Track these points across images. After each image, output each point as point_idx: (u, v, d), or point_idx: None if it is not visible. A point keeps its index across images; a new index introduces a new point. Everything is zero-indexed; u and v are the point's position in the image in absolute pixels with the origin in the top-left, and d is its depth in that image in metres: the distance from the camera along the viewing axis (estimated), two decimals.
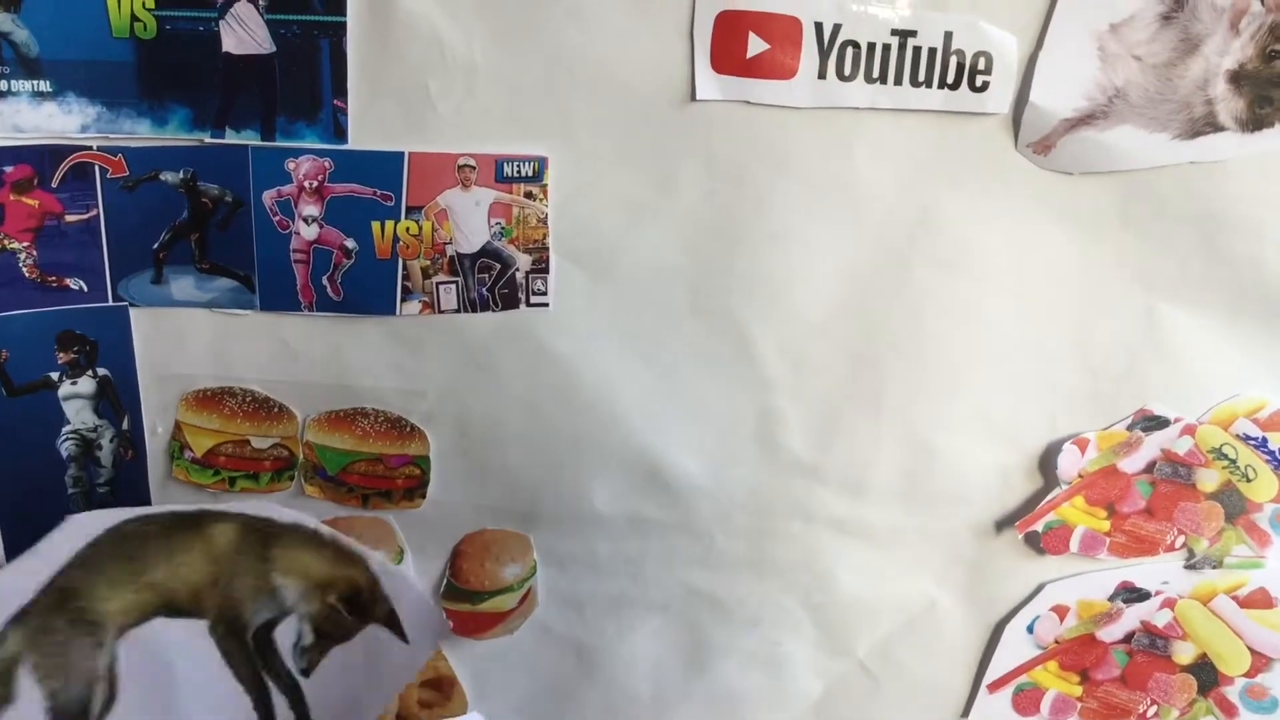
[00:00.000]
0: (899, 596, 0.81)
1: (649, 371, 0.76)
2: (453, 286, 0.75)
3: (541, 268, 0.74)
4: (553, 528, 0.80)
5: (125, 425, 0.77)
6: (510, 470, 0.78)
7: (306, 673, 0.77)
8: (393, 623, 0.77)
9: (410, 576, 0.80)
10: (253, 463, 0.78)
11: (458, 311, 0.75)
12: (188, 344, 0.75)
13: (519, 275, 0.75)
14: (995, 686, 0.83)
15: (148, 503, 0.78)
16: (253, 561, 0.76)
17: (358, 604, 0.77)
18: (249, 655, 0.77)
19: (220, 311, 0.74)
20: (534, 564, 0.81)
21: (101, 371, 0.75)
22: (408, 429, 0.77)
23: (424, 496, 0.79)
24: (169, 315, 0.75)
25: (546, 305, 0.75)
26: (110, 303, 0.74)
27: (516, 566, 0.80)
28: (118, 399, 0.76)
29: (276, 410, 0.77)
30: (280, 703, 0.77)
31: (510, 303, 0.75)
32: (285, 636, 0.77)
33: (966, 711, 0.84)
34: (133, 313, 0.74)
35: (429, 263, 0.74)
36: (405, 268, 0.74)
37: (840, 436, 0.78)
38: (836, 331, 0.76)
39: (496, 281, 0.75)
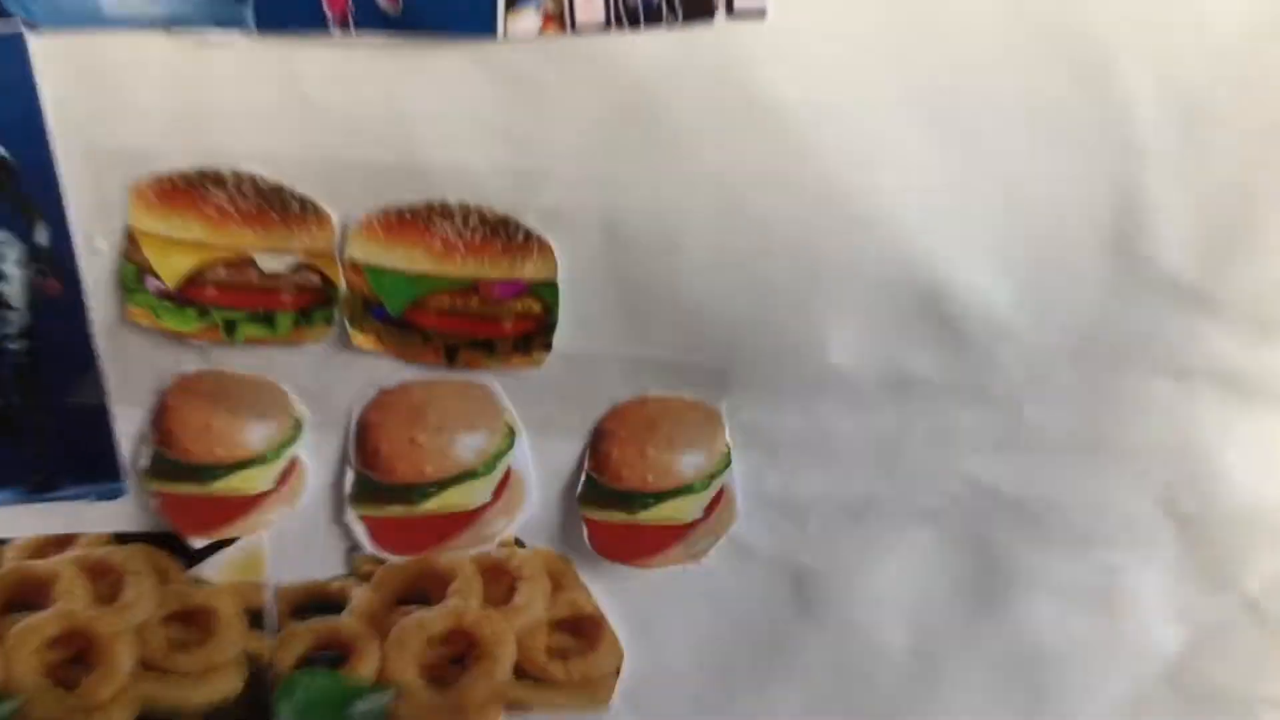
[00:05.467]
0: None
1: (931, 131, 0.44)
2: None
3: None
4: (758, 393, 0.50)
5: (43, 238, 0.45)
6: (690, 302, 0.48)
7: None
8: None
9: None
10: (262, 295, 0.47)
11: (606, 28, 0.42)
12: (137, 96, 0.44)
13: None
14: None
15: (91, 364, 0.47)
16: None
17: None
18: None
19: (190, 34, 0.42)
20: (727, 451, 0.51)
21: None
22: (519, 237, 0.46)
23: (548, 347, 0.48)
24: (99, 46, 0.43)
25: (761, 13, 0.42)
26: None
27: (698, 455, 0.51)
28: (23, 196, 0.44)
29: (298, 208, 0.45)
30: None
31: (698, 8, 0.42)
32: None
33: None
34: (32, 42, 0.42)
35: None
36: None
37: (1246, 246, 0.47)
38: (1255, 67, 0.43)
39: None
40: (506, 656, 0.54)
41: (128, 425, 0.49)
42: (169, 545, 0.52)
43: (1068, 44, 0.43)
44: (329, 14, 0.42)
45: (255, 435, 0.50)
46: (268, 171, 0.45)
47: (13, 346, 0.47)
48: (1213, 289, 0.47)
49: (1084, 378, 0.49)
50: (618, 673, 0.54)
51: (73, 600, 0.53)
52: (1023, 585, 0.52)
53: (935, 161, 0.45)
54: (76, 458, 0.50)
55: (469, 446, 0.50)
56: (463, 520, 0.51)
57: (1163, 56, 0.44)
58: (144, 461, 0.50)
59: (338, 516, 0.51)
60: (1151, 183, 0.45)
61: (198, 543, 0.51)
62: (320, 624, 0.54)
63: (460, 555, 0.52)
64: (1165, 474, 0.50)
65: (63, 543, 0.52)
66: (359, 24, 0.42)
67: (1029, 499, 0.51)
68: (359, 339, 0.48)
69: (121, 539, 0.52)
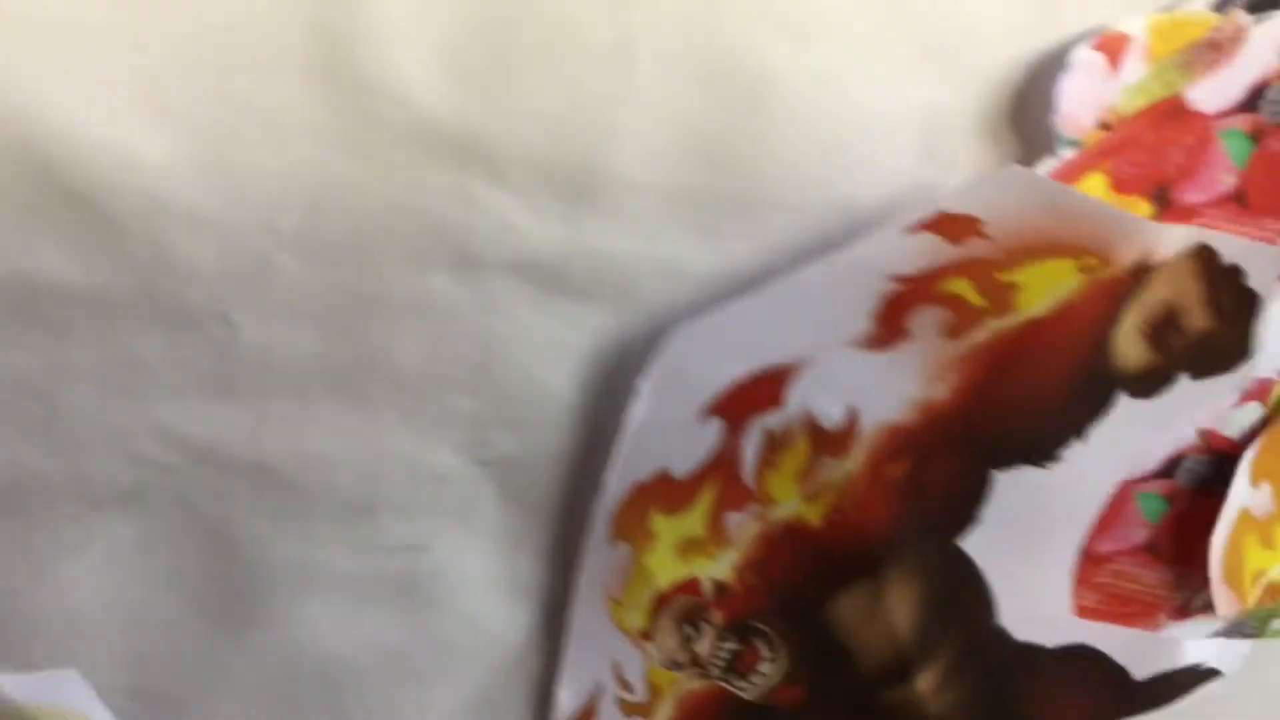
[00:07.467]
0: None
1: None
2: None
3: None
4: None
5: None
6: None
7: None
8: None
9: None
10: None
11: None
12: None
13: None
14: None
15: None
16: None
17: None
18: None
19: None
20: None
21: None
22: None
23: None
24: None
25: None
26: None
27: None
28: None
29: None
30: None
31: None
32: None
33: None
34: None
35: None
36: None
37: (517, 69, 0.32)
38: None
39: None
40: None
41: None
42: None
43: None
44: None
45: None
46: None
47: None
48: (484, 135, 0.32)
49: (325, 278, 0.33)
50: None
51: None
52: (290, 582, 0.36)
53: None
54: None
55: None
56: None
57: None
58: None
59: None
60: None
61: None
62: None
63: None
64: (472, 406, 0.35)
65: None
66: None
67: (272, 459, 0.35)
68: None
69: None
